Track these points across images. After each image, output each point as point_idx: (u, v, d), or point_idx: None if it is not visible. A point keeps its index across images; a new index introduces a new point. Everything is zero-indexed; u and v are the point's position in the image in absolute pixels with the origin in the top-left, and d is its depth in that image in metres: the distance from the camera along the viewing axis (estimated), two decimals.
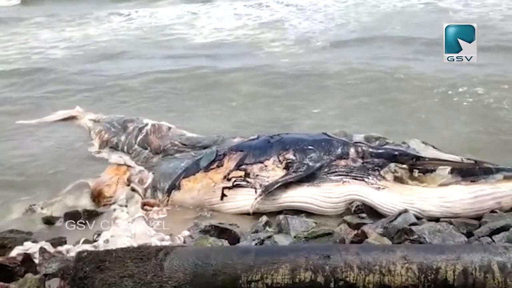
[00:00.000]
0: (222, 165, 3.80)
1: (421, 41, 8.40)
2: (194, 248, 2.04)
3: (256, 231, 3.17)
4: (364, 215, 3.33)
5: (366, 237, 2.72)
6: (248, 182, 3.67)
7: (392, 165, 3.50)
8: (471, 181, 3.29)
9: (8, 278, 2.35)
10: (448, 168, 3.37)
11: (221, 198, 3.70)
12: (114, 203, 3.78)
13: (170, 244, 2.72)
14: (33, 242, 2.97)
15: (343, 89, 6.51)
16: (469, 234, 2.94)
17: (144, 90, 6.95)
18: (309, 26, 10.62)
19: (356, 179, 3.52)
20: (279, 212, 3.49)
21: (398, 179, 3.47)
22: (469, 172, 3.34)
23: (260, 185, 3.62)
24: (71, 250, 2.93)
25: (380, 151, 3.62)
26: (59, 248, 2.90)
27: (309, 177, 3.57)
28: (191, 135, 4.52)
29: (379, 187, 3.47)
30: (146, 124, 4.70)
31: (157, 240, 3.15)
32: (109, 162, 4.54)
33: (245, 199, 3.63)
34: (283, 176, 3.60)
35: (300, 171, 3.58)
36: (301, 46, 9.06)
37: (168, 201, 3.84)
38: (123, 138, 4.75)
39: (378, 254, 1.89)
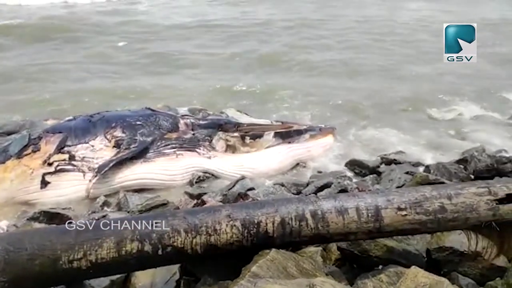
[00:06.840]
0: (38, 150, 3.37)
1: None
2: (4, 234, 1.81)
3: (94, 212, 3.01)
4: (205, 185, 3.40)
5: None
6: (74, 165, 3.34)
7: (220, 133, 3.72)
8: (288, 142, 3.85)
9: None
10: (272, 133, 3.82)
11: (42, 186, 3.29)
12: None
13: None
14: None
15: None
16: (298, 194, 3.21)
17: None
18: None
19: (189, 151, 3.58)
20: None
21: (231, 147, 3.70)
22: (286, 134, 3.90)
23: (89, 168, 3.32)
24: None
25: (207, 122, 3.82)
26: None
27: (143, 153, 3.46)
28: None
29: (210, 157, 3.61)
30: None
31: None
32: None
33: (72, 185, 3.30)
34: (115, 155, 3.41)
35: (133, 147, 3.45)
36: None
37: None
38: None
39: (204, 215, 1.91)
